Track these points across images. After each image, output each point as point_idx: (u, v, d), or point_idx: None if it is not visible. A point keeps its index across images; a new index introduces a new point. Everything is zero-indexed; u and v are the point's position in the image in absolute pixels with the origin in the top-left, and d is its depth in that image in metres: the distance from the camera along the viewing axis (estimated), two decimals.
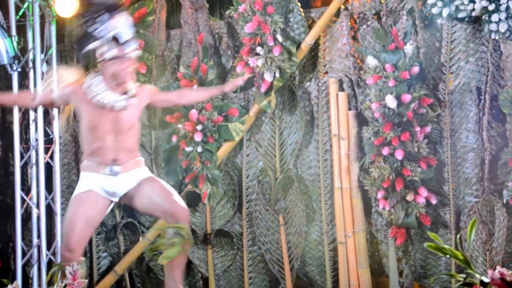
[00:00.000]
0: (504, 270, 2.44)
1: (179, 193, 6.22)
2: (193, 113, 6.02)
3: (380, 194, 5.58)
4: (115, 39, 4.29)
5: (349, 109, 5.86)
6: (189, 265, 6.41)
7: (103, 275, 6.54)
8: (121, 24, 4.32)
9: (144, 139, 6.42)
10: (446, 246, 2.64)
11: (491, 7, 5.25)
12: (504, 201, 5.32)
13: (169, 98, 4.80)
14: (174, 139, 6.14)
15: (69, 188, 6.62)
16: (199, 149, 6.04)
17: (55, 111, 6.07)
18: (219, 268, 6.32)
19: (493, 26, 5.27)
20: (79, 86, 4.40)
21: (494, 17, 5.25)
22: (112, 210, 6.53)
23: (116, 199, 4.43)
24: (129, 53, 4.33)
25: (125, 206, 6.48)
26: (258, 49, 5.84)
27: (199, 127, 6.02)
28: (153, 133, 6.43)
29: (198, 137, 6.01)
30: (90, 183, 4.33)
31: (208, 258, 6.31)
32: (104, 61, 4.33)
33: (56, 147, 6.13)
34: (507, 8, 5.21)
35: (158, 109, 6.30)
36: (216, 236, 6.28)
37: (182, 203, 4.46)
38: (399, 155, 5.51)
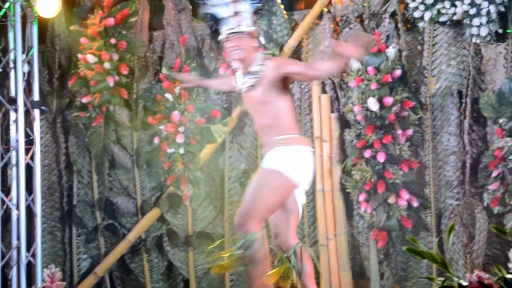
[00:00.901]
0: (482, 273, 2.45)
1: (161, 195, 6.25)
2: (175, 114, 6.00)
3: (362, 197, 5.60)
4: (218, 19, 4.13)
5: (332, 111, 5.87)
6: (170, 267, 6.39)
7: (83, 277, 6.51)
8: (217, 2, 4.11)
9: (126, 140, 6.40)
10: (425, 249, 2.65)
11: (472, 11, 5.29)
12: (485, 204, 5.35)
13: (298, 70, 4.15)
14: (156, 140, 6.13)
15: (49, 189, 6.59)
16: (181, 150, 6.02)
17: (35, 112, 6.03)
18: (200, 270, 6.30)
19: (474, 30, 5.31)
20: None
21: (475, 21, 5.29)
22: (92, 212, 6.54)
23: None
24: (229, 30, 4.06)
25: (106, 207, 6.47)
26: None
27: (181, 129, 6.00)
28: (135, 135, 6.41)
29: (180, 139, 6.00)
30: None
31: (189, 260, 6.29)
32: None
33: (37, 148, 6.09)
34: (488, 12, 5.25)
35: (139, 110, 6.30)
36: (197, 238, 6.26)
37: (248, 217, 4.04)
38: (381, 157, 5.53)
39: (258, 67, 4.08)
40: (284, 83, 4.09)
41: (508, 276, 2.43)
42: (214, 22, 4.13)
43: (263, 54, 4.17)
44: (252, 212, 3.98)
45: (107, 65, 6.20)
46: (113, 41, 6.21)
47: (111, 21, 6.19)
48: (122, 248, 6.34)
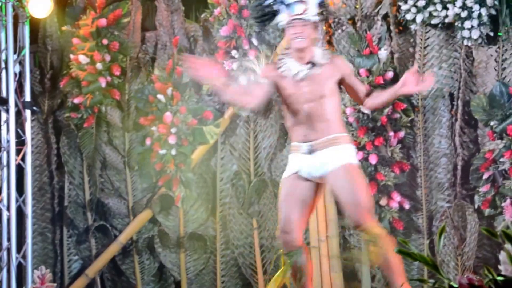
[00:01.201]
0: (472, 275, 2.46)
1: (152, 196, 6.24)
2: (168, 115, 6.00)
3: None
4: (282, 4, 4.00)
5: None
6: (162, 268, 6.38)
7: (74, 278, 6.49)
8: None
9: (118, 141, 6.39)
10: (416, 251, 2.65)
11: (464, 14, 5.31)
12: (476, 206, 5.37)
13: (358, 89, 4.12)
14: (148, 141, 6.11)
15: (40, 190, 6.57)
16: (173, 152, 6.02)
17: (27, 112, 6.01)
18: (191, 272, 6.29)
19: (465, 33, 5.32)
20: (273, 64, 4.18)
21: (467, 24, 5.31)
22: (83, 213, 6.52)
23: (318, 180, 4.05)
24: (296, 16, 3.95)
25: (97, 208, 6.46)
26: (233, 53, 5.84)
27: (173, 130, 6.00)
28: (126, 136, 6.39)
29: (172, 140, 5.99)
30: (293, 165, 4.06)
31: (180, 261, 6.28)
32: (285, 31, 4.05)
33: (28, 149, 6.07)
34: (479, 15, 5.27)
35: (131, 111, 6.28)
36: (189, 239, 6.25)
37: (367, 213, 3.91)
38: (373, 159, 5.53)
39: (325, 59, 4.02)
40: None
41: (498, 278, 2.43)
42: (266, 13, 4.01)
43: (323, 49, 4.13)
44: (368, 207, 3.93)
45: (99, 65, 6.18)
46: (105, 41, 6.20)
47: (103, 21, 6.18)
48: (113, 249, 6.32)
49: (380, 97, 4.12)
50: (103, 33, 6.22)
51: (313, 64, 3.99)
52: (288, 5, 3.98)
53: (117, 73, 6.21)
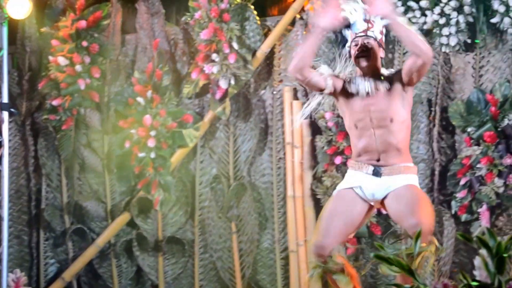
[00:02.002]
0: (447, 281, 2.48)
1: (131, 199, 6.22)
2: (147, 118, 5.98)
3: None
4: (346, 27, 3.93)
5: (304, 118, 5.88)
6: (139, 272, 6.36)
7: (50, 282, 6.45)
8: (346, 7, 3.87)
9: (96, 143, 6.37)
10: (392, 256, 2.66)
11: (442, 20, 5.35)
12: (453, 212, 5.40)
13: (410, 66, 3.85)
14: (127, 144, 6.09)
15: (17, 192, 6.52)
16: (152, 155, 6.00)
17: (4, 114, 5.96)
18: (169, 276, 6.28)
19: (443, 40, 5.37)
20: (343, 78, 3.99)
21: (445, 31, 5.35)
22: (61, 216, 6.48)
23: (374, 203, 3.96)
24: (360, 33, 3.85)
25: (75, 211, 6.42)
26: (214, 56, 5.84)
27: (152, 133, 5.98)
28: (105, 138, 6.37)
29: (151, 143, 5.98)
30: (354, 180, 3.93)
31: (158, 265, 6.26)
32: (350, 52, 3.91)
33: (5, 151, 6.02)
34: (457, 22, 5.31)
35: (110, 114, 6.26)
36: (167, 243, 6.24)
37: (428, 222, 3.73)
38: None
39: (389, 71, 3.92)
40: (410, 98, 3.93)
41: (473, 283, 2.46)
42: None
43: (390, 70, 3.97)
44: (427, 227, 3.69)
45: (78, 67, 6.16)
46: (85, 43, 6.18)
47: (83, 23, 6.16)
48: (90, 252, 6.29)
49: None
50: (83, 35, 6.19)
51: (378, 79, 3.87)
52: (351, 25, 3.90)
53: (97, 75, 6.19)
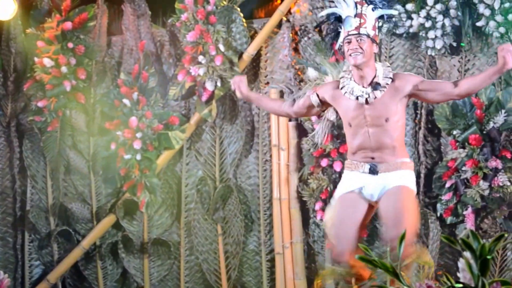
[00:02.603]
0: (431, 282, 2.49)
1: (116, 201, 6.20)
2: (133, 120, 5.97)
3: (318, 205, 5.62)
4: (338, 20, 3.90)
5: (289, 120, 5.89)
6: (125, 274, 6.34)
7: (35, 284, 6.42)
8: (339, 1, 3.88)
9: (82, 145, 6.35)
10: (376, 258, 2.67)
11: (428, 24, 5.37)
12: (438, 214, 5.42)
13: (441, 87, 3.87)
14: (113, 146, 6.07)
15: (2, 194, 6.48)
16: (138, 157, 5.98)
17: None
18: (155, 278, 6.26)
19: (429, 43, 5.39)
20: (336, 82, 4.01)
21: (431, 34, 5.37)
22: (46, 217, 6.45)
23: (373, 203, 3.98)
24: (352, 31, 3.83)
25: (60, 213, 6.39)
26: (200, 58, 5.83)
27: (138, 135, 5.97)
28: (91, 140, 6.35)
29: (137, 145, 5.96)
30: (354, 183, 3.94)
31: (144, 267, 6.25)
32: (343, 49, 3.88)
33: None
34: (443, 25, 5.33)
35: (96, 115, 6.23)
36: (153, 245, 6.23)
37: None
38: (337, 167, 5.56)
39: (388, 79, 3.87)
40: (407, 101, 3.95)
41: (457, 285, 2.47)
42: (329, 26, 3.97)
43: (385, 65, 3.95)
44: (410, 234, 3.76)
45: (64, 69, 6.13)
46: (70, 45, 6.15)
47: (68, 25, 6.13)
48: (76, 254, 6.27)
49: (474, 79, 3.87)
50: (69, 37, 6.17)
51: (375, 86, 3.86)
52: (343, 21, 3.88)
53: (83, 77, 6.16)
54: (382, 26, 4.16)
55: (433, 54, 5.45)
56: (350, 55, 3.83)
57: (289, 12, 5.94)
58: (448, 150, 5.43)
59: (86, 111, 6.31)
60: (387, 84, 3.86)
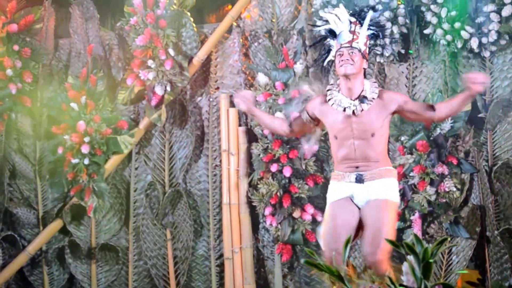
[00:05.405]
0: (375, 285, 2.51)
1: (63, 206, 6.11)
2: (81, 124, 5.89)
3: (267, 211, 5.64)
4: (332, 33, 4.04)
5: (239, 125, 5.90)
6: (71, 280, 6.27)
7: None
8: (331, 17, 4.04)
9: (28, 149, 6.25)
10: (322, 262, 2.69)
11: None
12: None
13: (423, 112, 4.08)
14: (60, 150, 5.99)
15: None
16: (86, 161, 5.91)
17: None
18: (103, 283, 6.20)
19: (378, 50, 5.45)
20: (323, 96, 4.11)
21: (379, 41, 5.43)
22: None
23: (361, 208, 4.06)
24: (345, 44, 3.99)
25: (5, 218, 6.28)
26: (150, 62, 5.80)
27: (86, 139, 5.89)
28: (37, 144, 6.25)
29: (85, 149, 5.89)
30: (342, 191, 4.04)
31: (91, 273, 6.18)
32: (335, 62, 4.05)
33: None
34: (392, 32, 5.40)
35: (43, 119, 6.15)
36: (101, 250, 6.16)
37: (382, 254, 3.89)
38: (287, 172, 5.59)
39: (374, 94, 4.01)
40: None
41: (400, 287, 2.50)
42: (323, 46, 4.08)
43: (372, 81, 4.07)
44: (386, 248, 3.88)
45: (9, 72, 6.03)
46: (16, 47, 6.05)
47: (14, 27, 6.04)
48: (21, 260, 6.17)
49: (450, 104, 4.06)
50: (14, 39, 6.07)
51: (362, 99, 3.99)
52: (338, 35, 4.03)
53: (29, 80, 6.07)
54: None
55: (381, 61, 5.51)
56: (341, 66, 3.98)
57: (239, 17, 5.95)
58: (396, 156, 5.50)
59: (32, 114, 6.22)
60: (373, 98, 4.01)
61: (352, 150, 4.01)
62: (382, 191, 4.00)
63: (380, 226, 3.91)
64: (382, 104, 4.02)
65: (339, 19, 4.04)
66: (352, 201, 4.05)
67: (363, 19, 4.04)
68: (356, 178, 4.02)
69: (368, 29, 4.05)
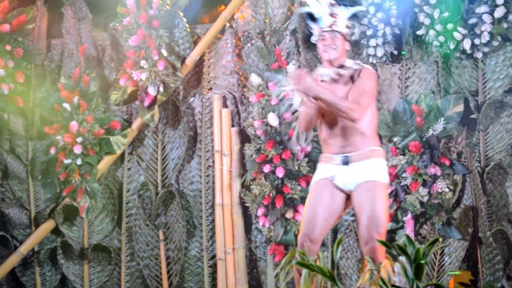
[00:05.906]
0: (367, 285, 2.51)
1: (56, 206, 6.10)
2: (73, 125, 5.88)
3: (260, 211, 5.64)
4: (312, 19, 4.07)
5: (232, 125, 5.90)
6: (64, 280, 6.25)
7: None
8: (311, 1, 4.07)
9: (20, 149, 6.24)
10: (313, 263, 2.69)
11: (369, 32, 5.45)
12: None
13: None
14: (52, 150, 5.98)
15: None
16: (79, 161, 5.90)
17: None
18: (95, 284, 6.19)
19: (371, 51, 5.46)
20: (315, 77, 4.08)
21: (372, 42, 5.45)
22: None
23: (349, 193, 4.04)
24: (326, 28, 4.02)
25: None
26: (142, 63, 5.79)
27: (79, 139, 5.88)
28: (30, 144, 6.24)
29: (77, 150, 5.88)
30: (326, 172, 4.02)
31: (84, 273, 6.17)
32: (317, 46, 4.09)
33: None
34: (384, 34, 5.41)
35: (35, 119, 6.13)
36: (93, 250, 6.15)
37: (379, 237, 3.88)
38: (280, 172, 5.59)
39: (356, 65, 4.04)
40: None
41: None
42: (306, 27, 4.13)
43: (356, 62, 4.10)
44: (381, 228, 3.90)
45: (1, 72, 6.02)
46: (8, 47, 6.04)
47: (6, 27, 6.02)
48: (13, 260, 6.15)
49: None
50: (6, 39, 6.06)
51: (341, 67, 4.03)
52: (317, 19, 4.07)
53: (21, 80, 6.06)
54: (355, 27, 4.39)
55: (374, 62, 5.52)
56: (324, 51, 4.05)
57: (232, 18, 5.95)
58: (389, 156, 5.51)
59: (24, 115, 6.20)
60: (352, 68, 4.03)
61: (337, 127, 4.01)
62: (371, 173, 3.99)
63: (374, 209, 3.91)
64: (355, 75, 4.03)
65: (318, 1, 4.08)
66: (334, 184, 4.03)
67: (342, 0, 4.08)
68: (342, 160, 4.00)
69: (345, 7, 4.06)
